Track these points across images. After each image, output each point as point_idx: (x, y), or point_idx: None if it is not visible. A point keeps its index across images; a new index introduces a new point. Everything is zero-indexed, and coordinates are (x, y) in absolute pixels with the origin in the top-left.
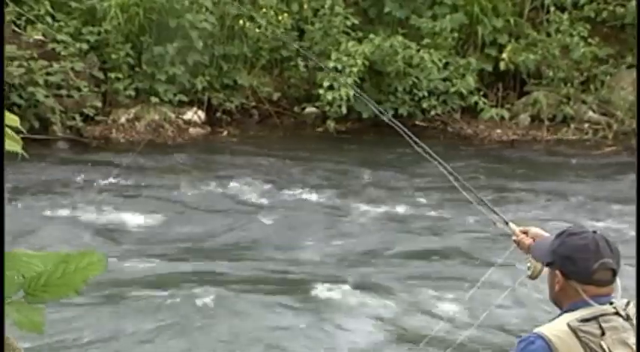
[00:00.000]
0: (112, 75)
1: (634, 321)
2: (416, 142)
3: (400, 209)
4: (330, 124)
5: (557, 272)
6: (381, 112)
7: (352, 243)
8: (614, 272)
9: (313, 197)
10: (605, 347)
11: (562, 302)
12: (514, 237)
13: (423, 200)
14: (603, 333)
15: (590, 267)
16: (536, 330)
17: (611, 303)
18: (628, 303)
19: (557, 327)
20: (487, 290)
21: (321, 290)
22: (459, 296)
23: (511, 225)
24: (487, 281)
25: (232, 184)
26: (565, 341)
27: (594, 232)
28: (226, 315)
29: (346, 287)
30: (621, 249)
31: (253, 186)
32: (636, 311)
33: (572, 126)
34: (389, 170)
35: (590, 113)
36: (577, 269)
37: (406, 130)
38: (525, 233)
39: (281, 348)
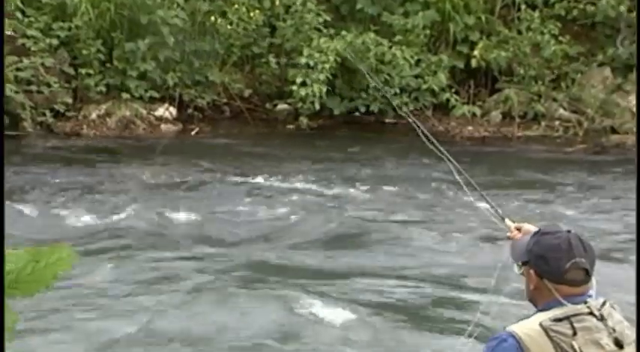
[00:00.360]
0: (83, 71)
1: (609, 321)
2: (424, 134)
3: (385, 205)
4: (303, 121)
5: (532, 271)
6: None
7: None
8: (588, 272)
9: (292, 192)
10: (576, 347)
11: (537, 301)
12: (508, 234)
13: (411, 196)
14: (575, 333)
15: (562, 267)
16: (508, 328)
17: (586, 303)
18: (604, 303)
19: (528, 326)
20: (485, 289)
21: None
22: (457, 295)
23: (507, 221)
24: (486, 279)
25: (211, 181)
26: (536, 340)
27: (568, 231)
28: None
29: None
30: (594, 245)
31: (229, 182)
32: (636, 311)
33: (543, 123)
34: (369, 165)
35: (561, 111)
36: (549, 268)
37: (414, 119)
38: (519, 229)
39: None
